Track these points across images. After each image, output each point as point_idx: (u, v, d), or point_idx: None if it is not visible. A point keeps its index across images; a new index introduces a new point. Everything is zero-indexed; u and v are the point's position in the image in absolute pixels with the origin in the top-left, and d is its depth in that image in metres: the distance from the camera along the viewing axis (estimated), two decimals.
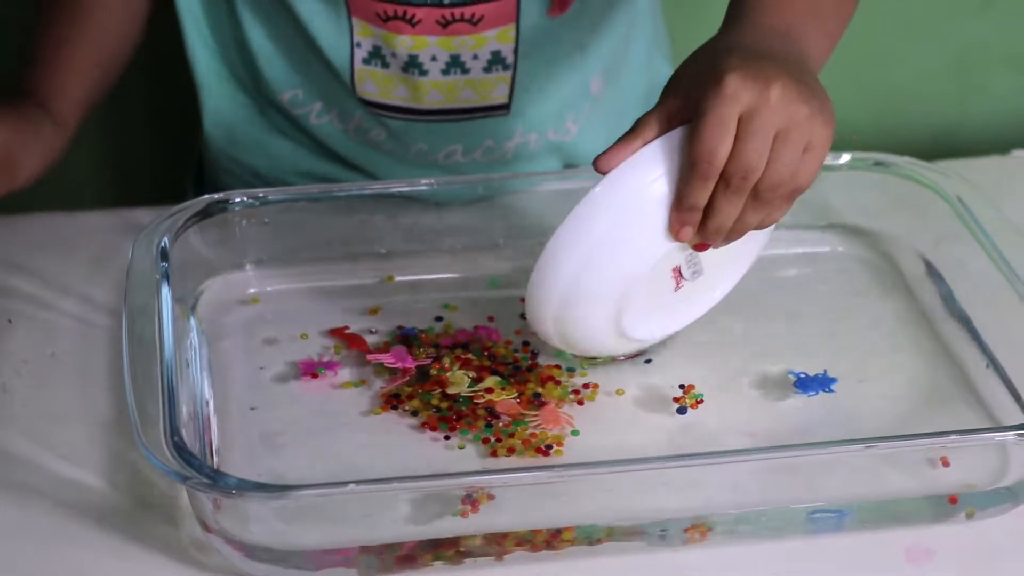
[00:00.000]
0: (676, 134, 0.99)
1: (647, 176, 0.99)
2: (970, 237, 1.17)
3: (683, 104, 0.99)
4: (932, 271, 1.23)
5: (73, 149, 1.68)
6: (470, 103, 1.25)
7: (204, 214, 1.16)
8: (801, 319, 1.19)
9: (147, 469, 1.04)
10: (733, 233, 1.01)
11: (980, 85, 1.71)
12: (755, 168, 0.97)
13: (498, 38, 1.22)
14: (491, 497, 0.98)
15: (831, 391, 1.11)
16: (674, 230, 1.00)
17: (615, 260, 1.01)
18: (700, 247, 1.03)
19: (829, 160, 1.23)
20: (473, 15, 1.20)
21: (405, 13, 1.20)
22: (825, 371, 1.11)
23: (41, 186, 1.67)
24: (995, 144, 1.50)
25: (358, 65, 1.23)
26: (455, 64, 1.23)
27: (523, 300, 1.18)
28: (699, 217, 1.00)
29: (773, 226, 1.05)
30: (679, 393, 1.10)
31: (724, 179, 0.97)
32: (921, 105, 1.70)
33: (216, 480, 0.94)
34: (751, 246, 1.09)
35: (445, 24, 1.20)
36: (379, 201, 1.22)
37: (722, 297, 1.12)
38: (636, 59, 1.34)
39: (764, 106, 0.96)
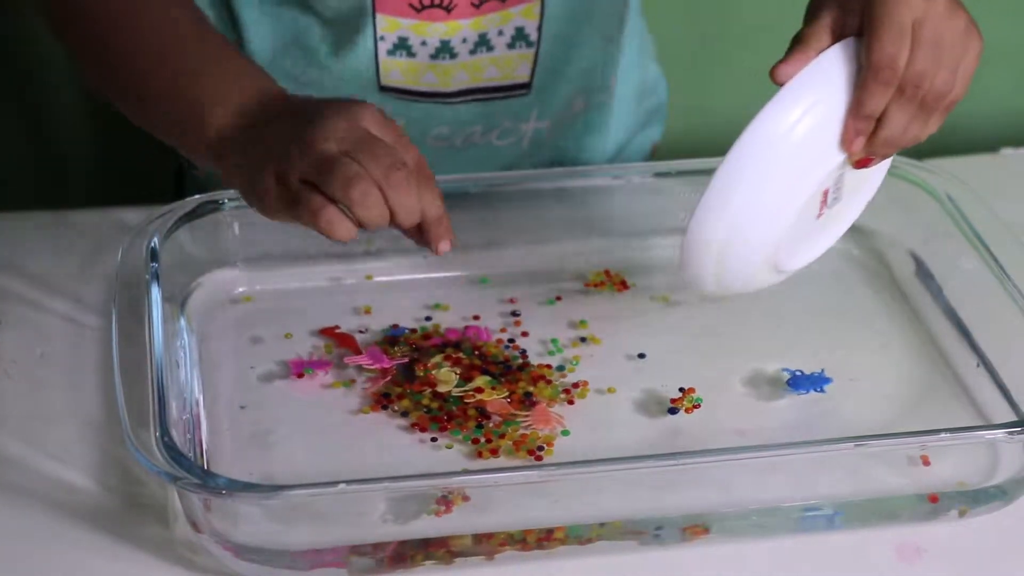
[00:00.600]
0: (850, 43, 0.99)
1: (824, 86, 0.99)
2: (960, 235, 1.18)
3: (841, 16, 1.00)
4: (922, 269, 1.23)
5: (61, 148, 1.68)
6: (494, 81, 1.25)
7: (194, 214, 1.16)
8: (791, 316, 1.19)
9: (137, 469, 1.04)
10: (900, 143, 1.02)
11: (971, 83, 1.71)
12: (930, 75, 0.98)
13: (523, 14, 1.22)
14: (466, 499, 0.98)
15: (822, 391, 1.11)
16: (848, 139, 1.00)
17: (787, 176, 1.00)
18: (862, 163, 1.03)
19: None
20: None
21: (443, 1, 1.20)
22: (823, 370, 1.11)
23: (29, 185, 1.68)
24: (985, 142, 1.50)
25: (383, 57, 1.23)
26: (482, 43, 1.23)
27: (512, 300, 1.19)
28: (872, 127, 1.00)
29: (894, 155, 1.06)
30: (672, 391, 1.10)
31: (899, 87, 0.99)
32: None
33: (206, 480, 0.94)
34: (876, 176, 1.09)
35: (478, 5, 1.20)
36: None
37: (848, 227, 1.11)
38: (631, 56, 1.34)
39: (934, 14, 0.98)
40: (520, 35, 1.23)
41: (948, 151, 1.44)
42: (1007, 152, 1.45)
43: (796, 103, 0.99)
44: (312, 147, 0.98)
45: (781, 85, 0.99)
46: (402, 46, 1.22)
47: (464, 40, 1.22)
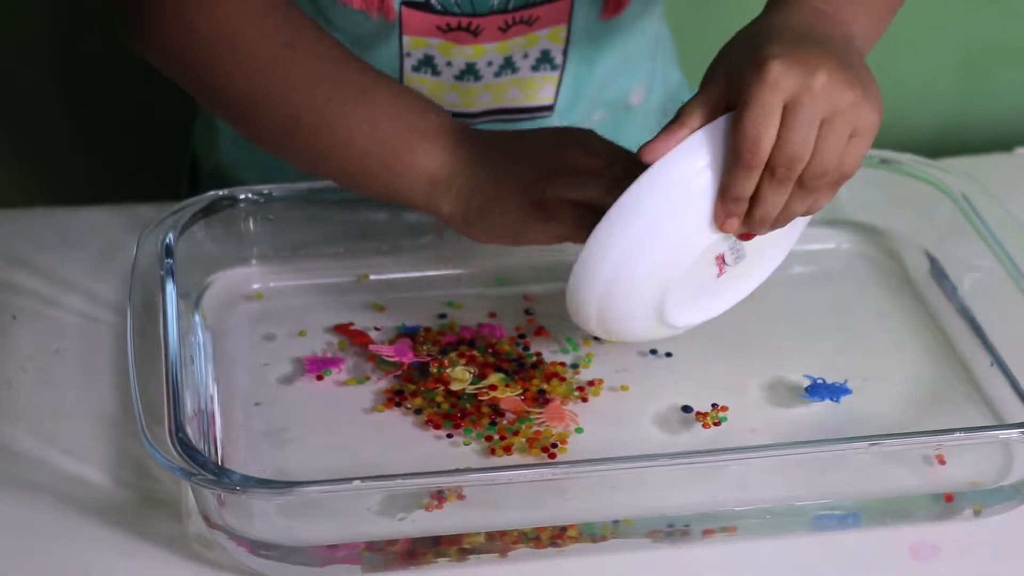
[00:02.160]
0: (720, 123, 0.98)
1: (692, 166, 0.98)
2: (975, 234, 1.18)
3: (725, 90, 0.98)
4: (937, 268, 1.23)
5: (76, 147, 1.68)
6: (516, 103, 1.24)
7: (209, 210, 1.16)
8: (806, 316, 1.19)
9: (152, 465, 1.04)
10: (779, 221, 1.00)
11: (985, 82, 1.71)
12: (801, 158, 0.96)
13: (549, 37, 1.21)
14: (461, 497, 0.98)
15: (837, 401, 1.10)
16: (719, 221, 0.99)
17: (661, 250, 1.01)
18: (745, 236, 1.03)
19: None
20: (530, 17, 1.19)
21: (470, 24, 1.19)
22: (845, 381, 1.11)
23: (42, 181, 1.68)
24: (1000, 142, 1.50)
25: (407, 73, 1.22)
26: (507, 65, 1.22)
27: (528, 297, 1.19)
28: (744, 208, 0.99)
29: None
30: (685, 388, 1.11)
31: (769, 169, 0.97)
32: (926, 102, 1.70)
33: (220, 476, 0.94)
34: (791, 231, 1.08)
35: (505, 29, 1.20)
36: None
37: (761, 282, 1.11)
38: (654, 68, 1.33)
39: (808, 94, 0.94)
40: (545, 58, 1.23)
41: (963, 150, 1.44)
42: (1021, 152, 1.44)
43: (661, 184, 0.99)
44: (565, 168, 1.05)
45: (649, 164, 0.98)
46: (427, 63, 1.21)
47: (490, 63, 1.22)
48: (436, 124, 1.09)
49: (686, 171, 0.98)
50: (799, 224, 1.08)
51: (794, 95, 0.94)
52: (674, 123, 0.99)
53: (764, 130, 0.95)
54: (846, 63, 0.96)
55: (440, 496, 0.98)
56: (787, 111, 0.95)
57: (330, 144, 1.08)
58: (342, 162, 1.09)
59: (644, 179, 0.98)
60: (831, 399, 1.10)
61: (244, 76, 1.08)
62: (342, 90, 1.08)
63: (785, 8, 1.01)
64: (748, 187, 0.97)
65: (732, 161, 0.97)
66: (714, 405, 1.09)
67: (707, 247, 1.02)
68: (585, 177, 1.05)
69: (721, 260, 1.05)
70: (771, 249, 1.09)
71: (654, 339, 1.12)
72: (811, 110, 0.95)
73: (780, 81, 0.94)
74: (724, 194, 0.98)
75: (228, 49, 1.07)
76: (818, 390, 1.10)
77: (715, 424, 1.08)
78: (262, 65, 1.08)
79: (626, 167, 1.02)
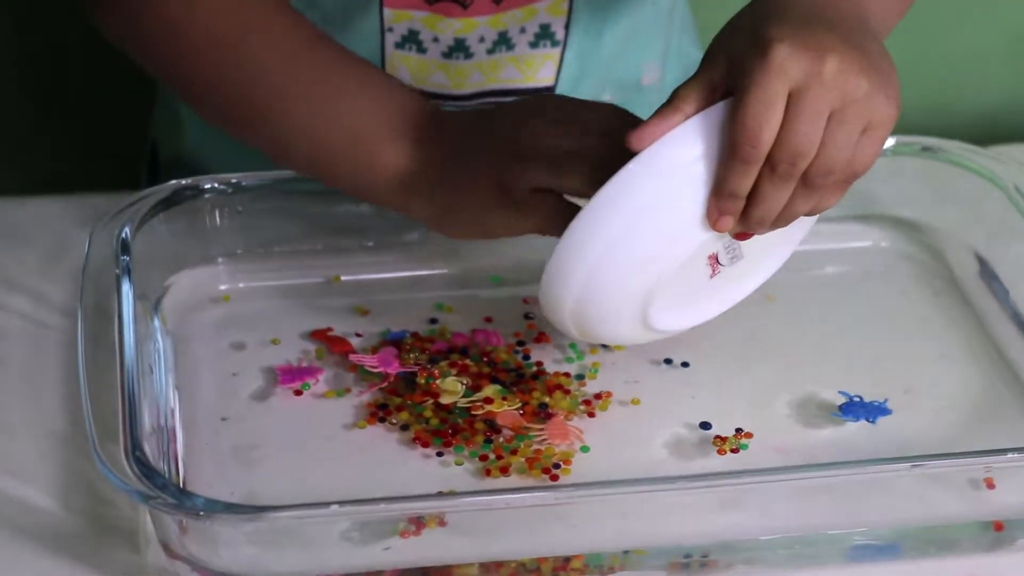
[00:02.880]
0: (718, 109, 0.98)
1: (685, 156, 0.98)
2: None
3: (725, 73, 0.97)
4: (986, 269, 1.23)
5: (25, 131, 1.68)
6: (513, 83, 1.25)
7: (170, 201, 1.17)
8: (840, 322, 1.19)
9: (105, 487, 1.04)
10: (779, 222, 1.00)
11: None
12: (805, 153, 0.95)
13: (549, 9, 1.22)
14: (443, 523, 0.98)
15: (873, 422, 1.10)
16: (712, 219, 0.99)
17: (646, 248, 1.00)
18: (741, 236, 1.03)
19: None
20: None
21: None
22: (886, 400, 1.10)
23: None
24: None
25: (389, 51, 1.22)
26: (502, 41, 1.22)
27: (527, 300, 1.19)
28: (741, 205, 0.99)
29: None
30: (703, 402, 1.11)
31: (770, 164, 0.96)
32: (975, 84, 1.71)
33: (182, 500, 0.94)
34: (795, 231, 1.08)
35: (499, 1, 1.20)
36: None
37: (759, 286, 1.11)
38: (675, 46, 1.33)
39: (817, 81, 0.94)
40: (545, 33, 1.23)
41: (1015, 137, 1.44)
42: None
43: (648, 175, 0.98)
44: (533, 152, 1.03)
45: (637, 152, 0.98)
46: (412, 39, 1.22)
47: (482, 39, 1.22)
48: (406, 111, 1.09)
49: (678, 161, 0.98)
50: (805, 223, 1.08)
51: (801, 82, 0.94)
52: (667, 107, 0.98)
53: (765, 121, 0.94)
54: (860, 48, 0.96)
55: (419, 522, 0.98)
56: (792, 100, 0.95)
57: (292, 131, 1.10)
58: (305, 153, 1.11)
59: (630, 167, 0.98)
60: (867, 420, 1.10)
61: (199, 55, 1.10)
62: (306, 71, 1.10)
63: None
64: (746, 183, 0.97)
65: (729, 154, 0.97)
66: (738, 430, 1.09)
67: (698, 246, 1.02)
68: (556, 160, 1.03)
69: (715, 260, 1.05)
70: (771, 251, 1.09)
71: (637, 342, 1.12)
72: (819, 100, 0.94)
73: (786, 66, 0.94)
74: (719, 190, 0.98)
75: (184, 28, 1.10)
76: (853, 409, 1.10)
77: (732, 451, 1.08)
78: (216, 43, 1.10)
79: (602, 133, 1.01)
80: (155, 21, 1.11)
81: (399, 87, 1.11)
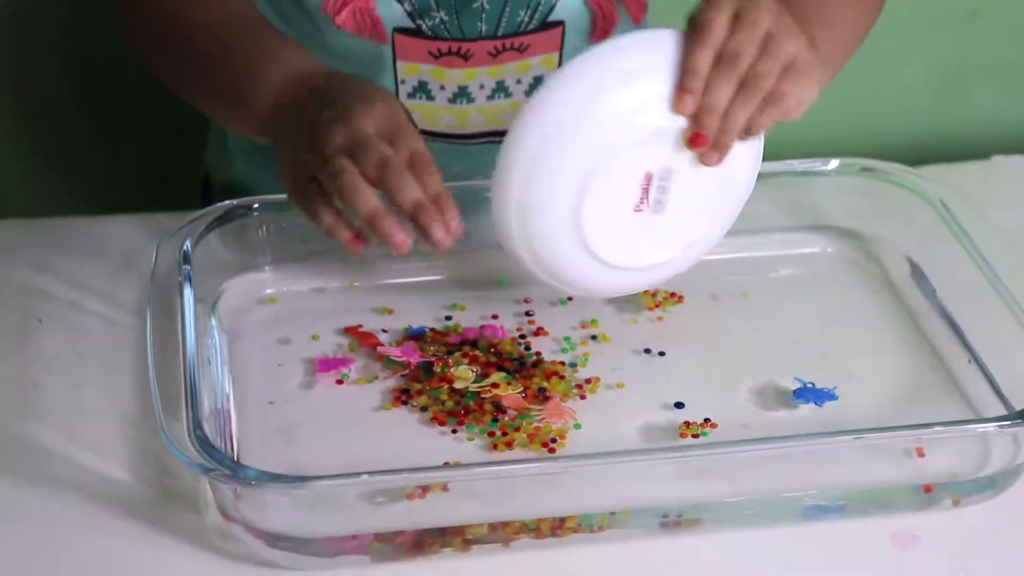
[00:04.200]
0: (678, 32, 1.00)
1: (648, 51, 1.00)
2: (953, 239, 1.17)
3: None
4: (917, 271, 1.23)
5: (92, 156, 1.66)
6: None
7: (224, 219, 1.16)
8: (793, 317, 1.19)
9: (171, 462, 1.04)
10: (725, 126, 1.00)
11: (962, 94, 1.71)
12: (744, 51, 0.99)
13: (542, 64, 1.22)
14: (446, 489, 0.98)
15: (820, 405, 1.10)
16: (676, 98, 0.99)
17: (594, 124, 0.99)
18: (695, 139, 1.00)
19: (818, 166, 1.24)
20: (522, 44, 1.19)
21: (460, 49, 1.19)
22: (835, 388, 1.10)
23: (61, 190, 1.66)
24: (976, 150, 1.50)
25: (403, 100, 1.22)
26: (500, 89, 1.22)
27: (528, 300, 1.19)
28: (700, 87, 0.99)
29: (750, 188, 1.06)
30: (677, 385, 1.11)
31: (718, 56, 0.99)
32: (907, 112, 1.69)
33: (236, 472, 0.94)
34: (726, 199, 1.07)
35: (496, 54, 1.20)
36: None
37: (702, 254, 1.09)
38: None
39: (754, 4, 0.99)
40: (539, 83, 1.22)
41: (941, 158, 1.44)
42: (998, 159, 1.44)
43: (611, 56, 1.00)
44: (316, 147, 0.99)
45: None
46: (422, 89, 1.22)
47: (482, 86, 1.22)
48: (286, 71, 1.07)
49: (645, 50, 1.00)
50: (732, 197, 1.07)
51: (741, 5, 0.99)
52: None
53: (716, 16, 0.99)
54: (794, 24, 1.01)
55: (423, 488, 0.98)
56: (739, 13, 0.99)
57: (208, 79, 1.13)
58: (213, 95, 1.14)
59: (596, 47, 1.00)
60: (815, 403, 1.10)
61: (184, 45, 1.14)
62: (232, 36, 1.13)
63: None
64: (701, 61, 0.99)
65: (690, 38, 0.99)
66: (706, 420, 1.08)
67: (644, 139, 1.00)
68: (328, 157, 0.99)
69: (646, 184, 1.02)
70: (703, 216, 1.07)
71: (588, 287, 1.09)
72: (758, 16, 0.99)
73: None
74: (683, 68, 0.99)
75: (178, 28, 1.15)
76: (805, 394, 1.10)
77: (693, 437, 1.07)
78: (204, 31, 1.13)
79: (381, 157, 0.98)
80: (162, 17, 1.15)
81: (299, 51, 1.10)
